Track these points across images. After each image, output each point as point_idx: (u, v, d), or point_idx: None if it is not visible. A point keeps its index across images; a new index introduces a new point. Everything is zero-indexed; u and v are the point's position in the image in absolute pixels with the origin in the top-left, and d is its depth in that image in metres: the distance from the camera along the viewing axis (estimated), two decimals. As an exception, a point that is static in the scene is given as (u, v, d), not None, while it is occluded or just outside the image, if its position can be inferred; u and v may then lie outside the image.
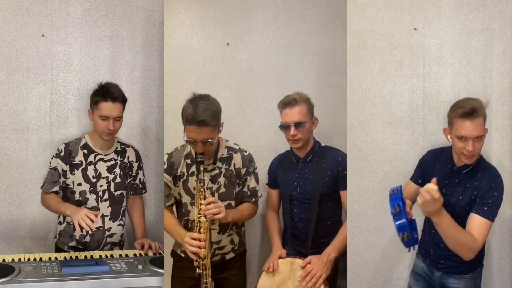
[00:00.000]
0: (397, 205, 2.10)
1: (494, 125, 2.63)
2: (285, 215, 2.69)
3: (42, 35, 2.80)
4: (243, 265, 2.69)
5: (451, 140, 2.26)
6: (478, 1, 2.63)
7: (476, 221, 2.16)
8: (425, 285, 2.47)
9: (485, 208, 2.17)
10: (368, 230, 2.72)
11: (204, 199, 2.34)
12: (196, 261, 2.32)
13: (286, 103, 2.54)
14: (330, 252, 2.45)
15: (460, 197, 2.27)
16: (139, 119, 2.94)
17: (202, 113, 2.28)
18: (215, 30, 2.93)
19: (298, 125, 2.51)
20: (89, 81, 2.86)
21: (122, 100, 2.62)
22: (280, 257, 2.51)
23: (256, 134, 2.95)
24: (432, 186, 1.98)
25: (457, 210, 2.21)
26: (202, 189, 2.34)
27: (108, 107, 2.57)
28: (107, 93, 2.59)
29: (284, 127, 2.54)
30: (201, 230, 2.32)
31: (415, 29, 2.68)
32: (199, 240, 2.30)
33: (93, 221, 2.37)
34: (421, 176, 2.46)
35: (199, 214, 2.32)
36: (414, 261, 2.54)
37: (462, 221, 2.19)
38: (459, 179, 2.30)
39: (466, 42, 2.64)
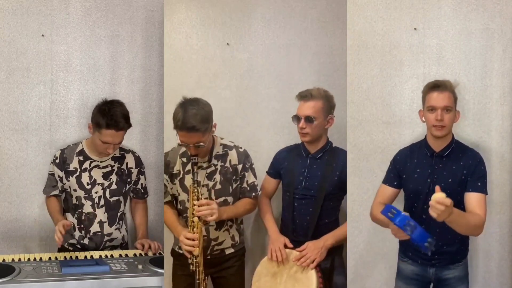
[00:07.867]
0: (391, 211, 2.11)
1: (494, 125, 2.62)
2: (284, 209, 2.69)
3: (42, 35, 2.80)
4: (242, 265, 2.69)
5: (425, 120, 2.38)
6: (478, 1, 2.63)
7: (475, 198, 2.27)
8: (418, 287, 2.47)
9: (479, 183, 2.29)
10: (368, 230, 2.71)
11: (198, 199, 2.38)
12: (190, 258, 2.39)
13: (302, 96, 2.58)
14: (328, 238, 2.49)
15: (450, 180, 2.33)
16: (139, 119, 2.93)
17: (191, 119, 2.32)
18: (215, 30, 2.93)
19: (308, 119, 2.53)
20: (89, 81, 2.86)
21: (128, 126, 2.55)
22: (285, 246, 2.50)
23: (256, 134, 2.95)
24: (440, 195, 1.96)
25: (448, 194, 2.19)
26: (196, 190, 2.39)
27: (110, 135, 2.51)
28: (112, 121, 2.49)
29: (296, 119, 2.58)
30: (195, 229, 2.38)
31: (415, 29, 2.68)
32: (193, 239, 2.37)
33: (62, 234, 2.42)
34: (396, 177, 2.47)
35: (193, 214, 2.38)
36: (399, 266, 2.54)
37: (455, 204, 2.14)
38: (443, 163, 2.36)
39: (466, 42, 2.64)
